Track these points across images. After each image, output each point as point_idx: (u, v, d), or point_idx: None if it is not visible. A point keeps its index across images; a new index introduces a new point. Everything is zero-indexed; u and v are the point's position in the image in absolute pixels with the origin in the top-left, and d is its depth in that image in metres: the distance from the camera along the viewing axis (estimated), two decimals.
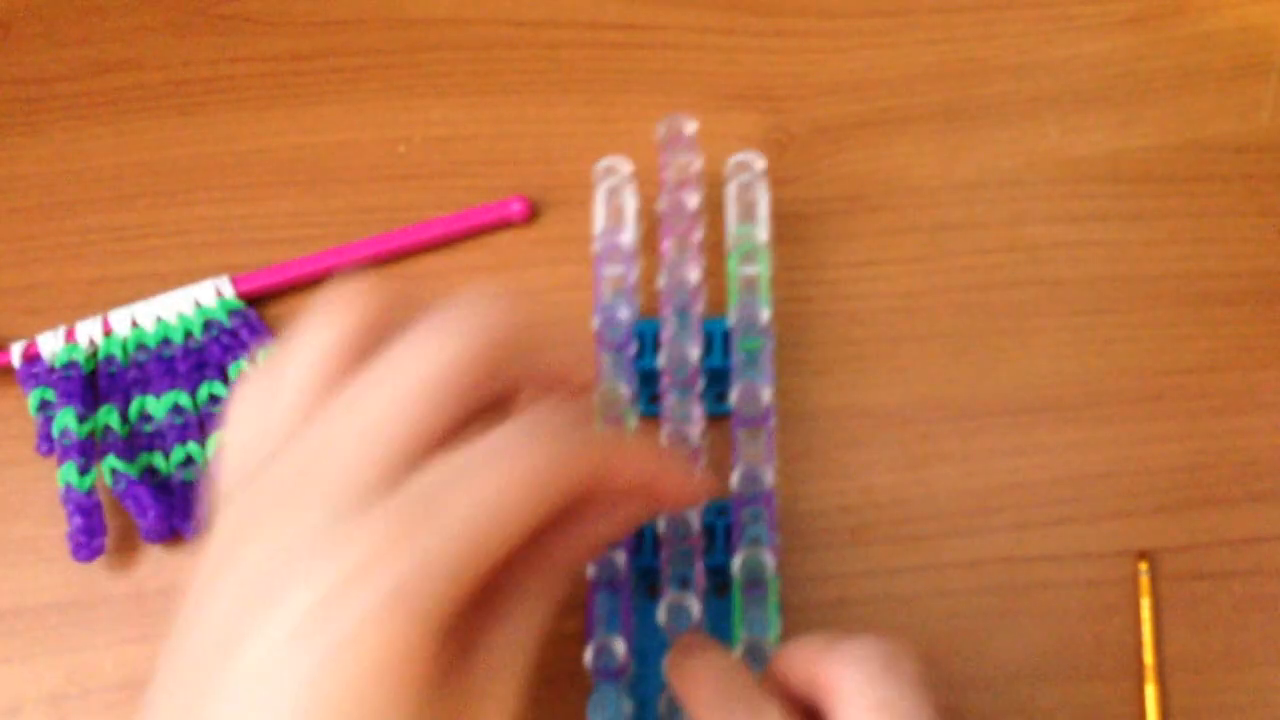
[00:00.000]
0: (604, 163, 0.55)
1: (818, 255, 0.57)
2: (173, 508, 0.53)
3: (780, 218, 0.56)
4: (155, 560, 0.53)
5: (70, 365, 0.56)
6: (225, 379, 0.56)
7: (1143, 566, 0.50)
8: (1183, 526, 0.51)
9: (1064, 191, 0.57)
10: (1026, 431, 0.53)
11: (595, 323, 0.51)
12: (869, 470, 0.53)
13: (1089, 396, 0.53)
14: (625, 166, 0.55)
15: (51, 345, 0.56)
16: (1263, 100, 0.59)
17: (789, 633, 0.50)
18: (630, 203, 0.55)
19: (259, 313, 0.57)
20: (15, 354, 0.56)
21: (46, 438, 0.55)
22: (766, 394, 0.50)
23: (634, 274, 0.54)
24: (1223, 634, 0.49)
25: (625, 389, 0.50)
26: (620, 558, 0.47)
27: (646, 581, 0.51)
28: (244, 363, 0.56)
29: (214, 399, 0.55)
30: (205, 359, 0.56)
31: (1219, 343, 0.54)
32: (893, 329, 0.55)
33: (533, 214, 0.59)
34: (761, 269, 0.53)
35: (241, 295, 0.57)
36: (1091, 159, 0.58)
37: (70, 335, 0.57)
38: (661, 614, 0.46)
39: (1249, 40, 0.60)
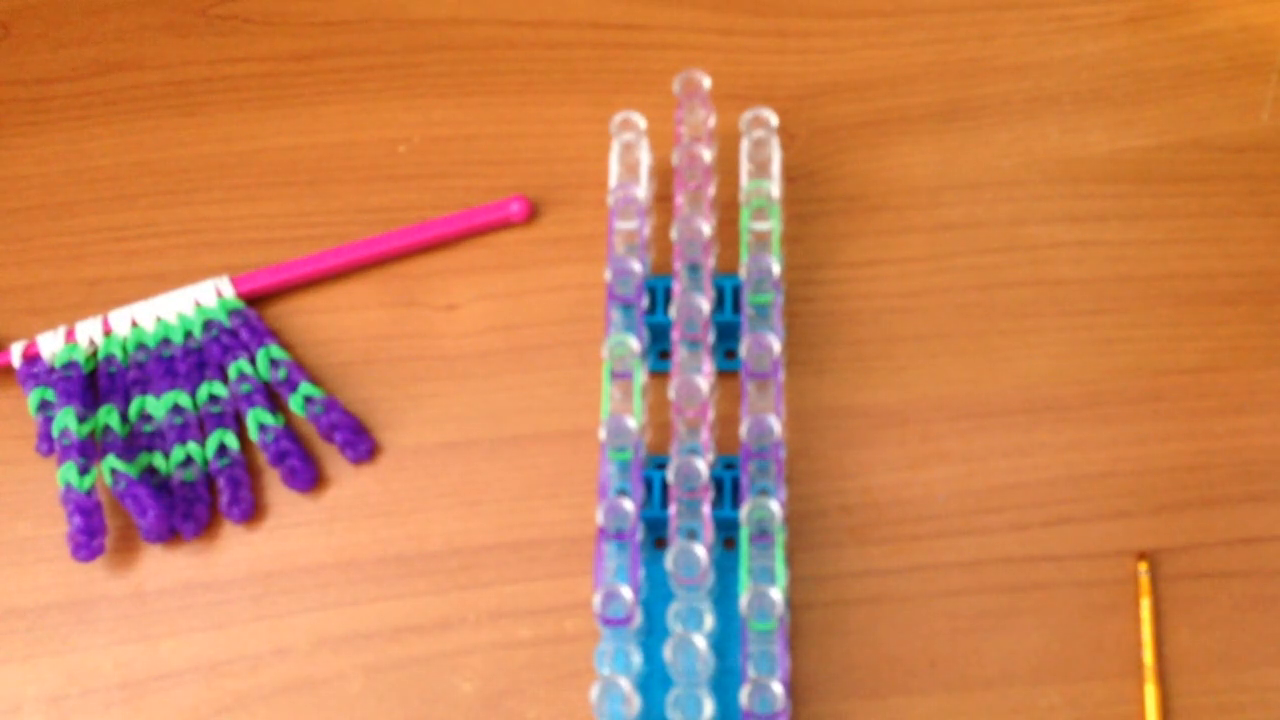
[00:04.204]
0: (619, 116, 0.55)
1: (818, 255, 0.57)
2: (173, 508, 0.53)
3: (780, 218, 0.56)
4: (155, 560, 0.53)
5: (70, 365, 0.56)
6: (225, 379, 0.56)
7: (1143, 566, 0.50)
8: (1183, 526, 0.51)
9: (1064, 191, 0.57)
10: (1026, 431, 0.53)
11: (607, 276, 0.52)
12: (869, 470, 0.53)
13: (1089, 396, 0.53)
14: (641, 121, 0.55)
15: (51, 345, 0.56)
16: (1263, 100, 0.59)
17: (792, 632, 0.50)
18: (645, 157, 0.55)
19: (259, 313, 0.57)
20: (15, 354, 0.56)
21: (46, 438, 0.55)
22: (776, 347, 0.50)
23: (646, 229, 0.54)
24: (1223, 634, 0.49)
25: (635, 342, 0.50)
26: (629, 507, 0.48)
27: (654, 535, 0.51)
28: (244, 363, 0.56)
29: (214, 399, 0.55)
30: (205, 359, 0.56)
31: (1219, 343, 0.54)
32: (893, 329, 0.55)
33: (533, 214, 0.59)
34: (773, 224, 0.53)
35: (241, 295, 0.57)
36: (1091, 159, 0.58)
37: (70, 335, 0.57)
38: (669, 561, 0.46)
39: (1249, 40, 0.60)
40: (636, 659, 0.47)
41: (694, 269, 0.52)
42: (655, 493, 0.50)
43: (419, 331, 0.57)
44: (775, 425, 0.49)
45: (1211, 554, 0.51)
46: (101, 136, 0.62)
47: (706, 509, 0.48)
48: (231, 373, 0.56)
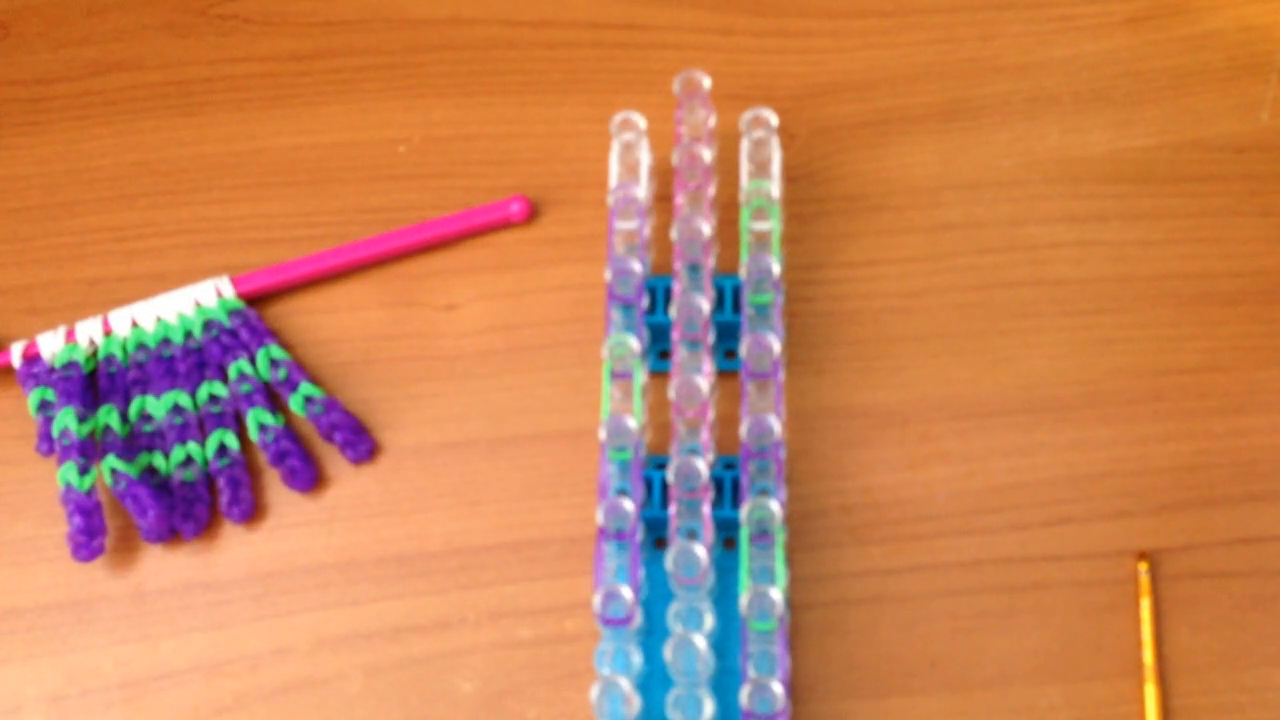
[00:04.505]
0: (619, 116, 0.55)
1: (818, 255, 0.57)
2: (173, 508, 0.53)
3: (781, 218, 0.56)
4: (155, 560, 0.53)
5: (70, 365, 0.56)
6: (225, 379, 0.56)
7: (1143, 566, 0.50)
8: (1183, 526, 0.51)
9: (1064, 191, 0.57)
10: (1026, 431, 0.53)
11: (607, 276, 0.52)
12: (869, 470, 0.53)
13: (1089, 396, 0.53)
14: (641, 121, 0.55)
15: (51, 345, 0.56)
16: (1263, 100, 0.59)
17: (792, 632, 0.50)
18: (645, 157, 0.55)
19: (259, 313, 0.57)
20: (15, 354, 0.56)
21: (46, 438, 0.55)
22: (776, 347, 0.50)
23: (646, 229, 0.54)
24: (1223, 634, 0.49)
25: (635, 342, 0.50)
26: (629, 507, 0.48)
27: (654, 534, 0.51)
28: (244, 363, 0.56)
29: (214, 399, 0.55)
30: (205, 359, 0.56)
31: (1219, 343, 0.54)
32: (893, 329, 0.55)
33: (533, 214, 0.59)
34: (773, 224, 0.53)
35: (241, 295, 0.57)
36: (1091, 159, 0.58)
37: (70, 335, 0.57)
38: (669, 561, 0.46)
39: (1249, 40, 0.60)
40: (636, 659, 0.47)
41: (694, 269, 0.52)
42: (655, 493, 0.50)
43: (419, 331, 0.57)
44: (775, 425, 0.49)
45: (1211, 554, 0.51)
46: (101, 136, 0.62)
47: (706, 509, 0.48)
48: (231, 373, 0.56)
